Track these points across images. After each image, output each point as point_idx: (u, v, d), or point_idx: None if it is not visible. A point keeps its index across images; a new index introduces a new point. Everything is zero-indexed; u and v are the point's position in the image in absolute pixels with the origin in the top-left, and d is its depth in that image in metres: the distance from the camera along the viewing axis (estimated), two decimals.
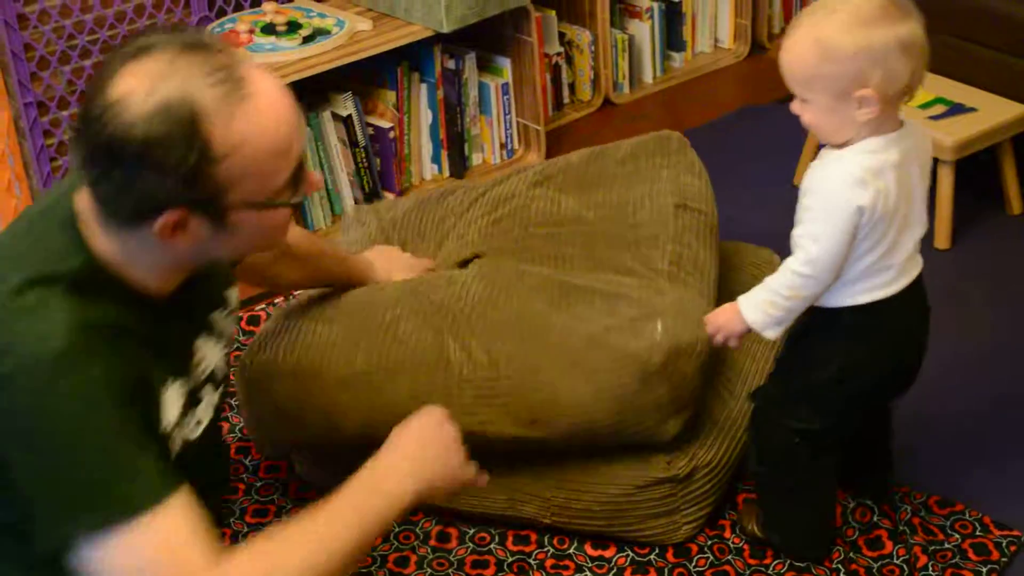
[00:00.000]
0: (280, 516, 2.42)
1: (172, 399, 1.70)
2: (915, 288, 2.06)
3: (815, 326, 2.08)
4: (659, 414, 2.17)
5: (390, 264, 2.49)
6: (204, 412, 1.81)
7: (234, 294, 1.94)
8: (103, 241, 1.62)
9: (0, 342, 1.54)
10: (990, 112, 3.14)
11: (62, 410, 1.52)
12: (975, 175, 3.32)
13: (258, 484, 2.49)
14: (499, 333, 2.23)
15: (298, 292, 2.59)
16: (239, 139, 1.54)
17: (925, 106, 3.18)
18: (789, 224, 3.33)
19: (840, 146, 1.95)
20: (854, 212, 1.90)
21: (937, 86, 3.27)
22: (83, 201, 1.63)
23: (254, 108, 1.57)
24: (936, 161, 3.08)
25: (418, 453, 1.78)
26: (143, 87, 1.51)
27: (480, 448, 1.95)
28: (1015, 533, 2.28)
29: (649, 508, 2.26)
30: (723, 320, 2.10)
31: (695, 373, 2.18)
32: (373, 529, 1.69)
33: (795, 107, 1.97)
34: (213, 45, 1.58)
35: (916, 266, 2.06)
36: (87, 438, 1.53)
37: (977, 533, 2.28)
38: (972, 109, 3.16)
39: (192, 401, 1.77)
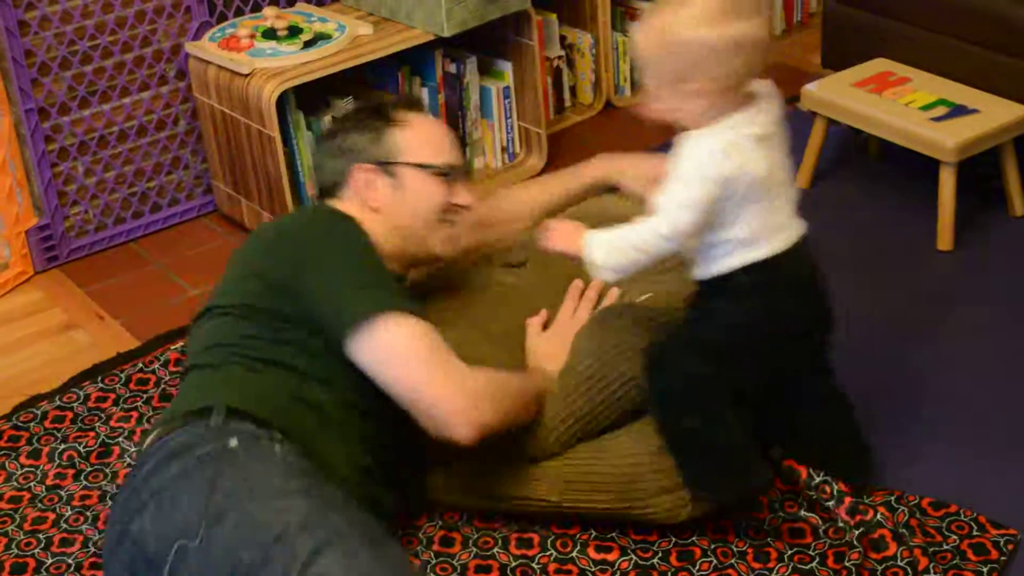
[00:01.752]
0: None
1: None
2: (800, 247, 2.15)
3: (709, 289, 2.17)
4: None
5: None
6: None
7: None
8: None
9: (331, 215, 2.31)
10: (992, 114, 3.14)
11: (364, 245, 2.21)
12: (977, 177, 3.32)
13: None
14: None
15: None
16: (412, 121, 2.40)
17: (927, 108, 3.18)
18: None
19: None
20: (720, 183, 2.01)
21: (939, 88, 3.27)
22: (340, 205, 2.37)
23: (422, 115, 2.46)
24: (938, 162, 3.09)
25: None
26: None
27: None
28: (1012, 532, 2.28)
29: (658, 480, 2.24)
30: (563, 236, 2.20)
31: None
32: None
33: (649, 101, 2.10)
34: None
35: (796, 226, 2.16)
36: (375, 260, 2.19)
37: (974, 533, 2.28)
38: (974, 111, 3.15)
39: None
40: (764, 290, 2.13)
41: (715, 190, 2.02)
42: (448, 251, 2.43)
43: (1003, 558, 2.23)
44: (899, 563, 2.21)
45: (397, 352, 2.08)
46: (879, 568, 2.21)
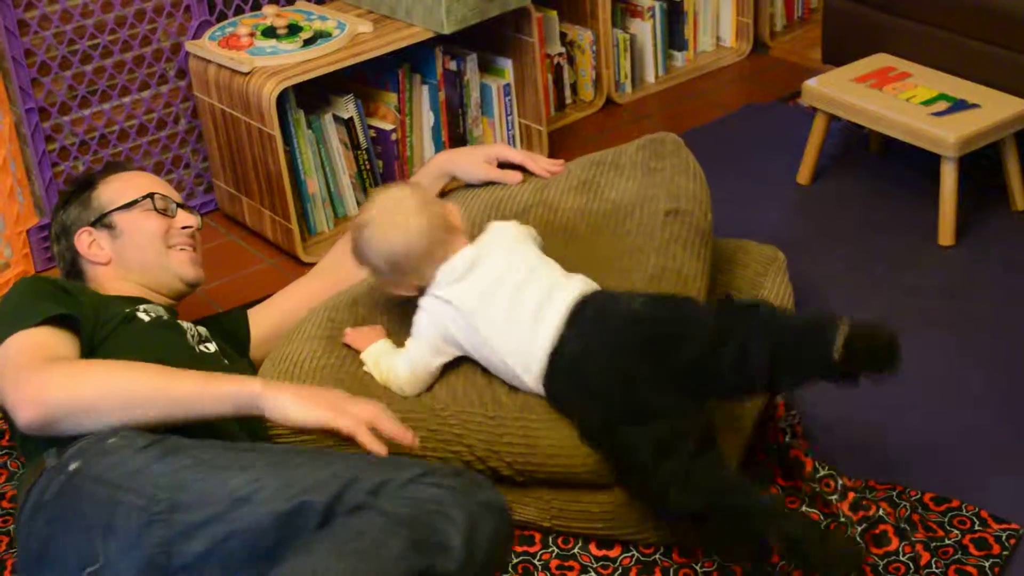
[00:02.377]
0: None
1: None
2: (582, 312, 2.20)
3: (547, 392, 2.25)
4: None
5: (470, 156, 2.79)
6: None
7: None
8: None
9: None
10: (993, 108, 3.13)
11: (25, 286, 2.27)
12: (978, 171, 3.32)
13: None
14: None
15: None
16: (110, 179, 2.60)
17: (928, 103, 3.18)
18: (793, 221, 3.35)
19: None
20: (436, 337, 2.31)
21: (940, 83, 3.27)
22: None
23: (122, 173, 2.65)
24: (940, 157, 3.08)
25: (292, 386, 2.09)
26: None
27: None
28: (1013, 526, 2.28)
29: (647, 508, 2.24)
30: (358, 336, 2.44)
31: None
32: (194, 396, 1.99)
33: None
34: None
35: (562, 301, 2.22)
36: (23, 295, 2.23)
37: (976, 528, 2.28)
38: (975, 105, 3.15)
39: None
40: (560, 398, 2.22)
41: (435, 332, 2.30)
42: (193, 273, 2.57)
43: (1005, 552, 2.23)
44: (901, 558, 2.21)
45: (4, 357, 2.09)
46: (881, 563, 2.21)
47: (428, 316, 2.31)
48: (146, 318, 2.33)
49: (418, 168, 3.55)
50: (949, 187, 3.09)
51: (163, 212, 2.54)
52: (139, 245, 2.51)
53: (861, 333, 2.06)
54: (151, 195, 2.54)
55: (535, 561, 2.28)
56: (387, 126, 3.46)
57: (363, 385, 2.35)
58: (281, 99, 3.17)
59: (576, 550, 2.30)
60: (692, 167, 2.62)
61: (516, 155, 2.71)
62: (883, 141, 3.49)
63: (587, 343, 2.17)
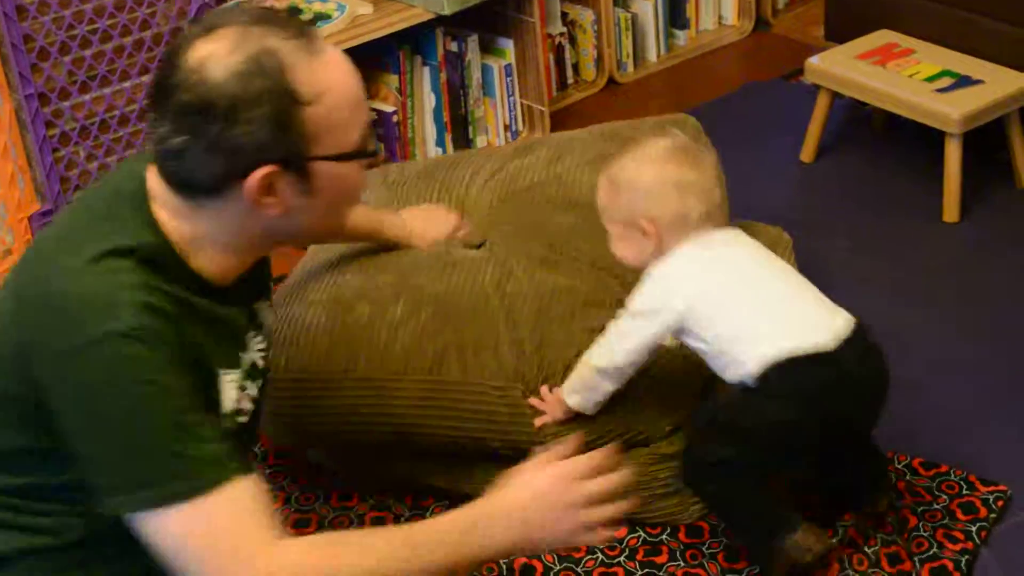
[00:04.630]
0: (289, 502, 2.42)
1: (227, 388, 1.72)
2: (842, 347, 2.05)
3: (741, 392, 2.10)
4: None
5: (426, 225, 2.51)
6: (246, 403, 1.79)
7: (271, 284, 1.96)
8: (174, 223, 1.65)
9: (75, 315, 1.55)
10: (997, 84, 3.12)
11: (131, 387, 1.54)
12: (982, 148, 3.31)
13: (267, 471, 2.49)
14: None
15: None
16: (323, 87, 1.60)
17: (931, 79, 3.16)
18: (797, 199, 3.35)
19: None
20: (666, 316, 2.08)
21: (943, 58, 3.25)
22: (155, 182, 1.66)
23: (329, 60, 1.63)
24: (944, 134, 3.07)
25: (534, 520, 1.67)
26: (224, 48, 1.57)
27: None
28: (1001, 488, 2.30)
29: (658, 487, 2.25)
30: (550, 407, 2.22)
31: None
32: (441, 570, 1.63)
33: (612, 244, 2.18)
34: (279, 13, 1.65)
35: (828, 327, 2.07)
36: (153, 416, 1.55)
37: (964, 492, 2.30)
38: (979, 81, 3.14)
39: (240, 390, 1.77)
40: (794, 393, 2.04)
41: (660, 328, 2.08)
42: (344, 228, 2.16)
43: (992, 515, 2.25)
44: (887, 519, 2.24)
45: (183, 545, 1.56)
46: (870, 531, 2.23)
47: (665, 278, 2.09)
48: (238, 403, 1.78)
49: (419, 149, 3.55)
50: (953, 164, 3.08)
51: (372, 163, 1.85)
52: (326, 208, 1.70)
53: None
54: (376, 151, 1.91)
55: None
56: (388, 108, 3.45)
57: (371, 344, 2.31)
58: None
59: None
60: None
61: (458, 226, 2.53)
62: (886, 118, 3.48)
63: (862, 366, 2.09)
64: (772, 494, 2.14)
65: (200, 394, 1.62)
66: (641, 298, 2.10)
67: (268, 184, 1.60)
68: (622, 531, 2.28)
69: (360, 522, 2.36)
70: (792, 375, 2.02)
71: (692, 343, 2.10)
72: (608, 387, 2.15)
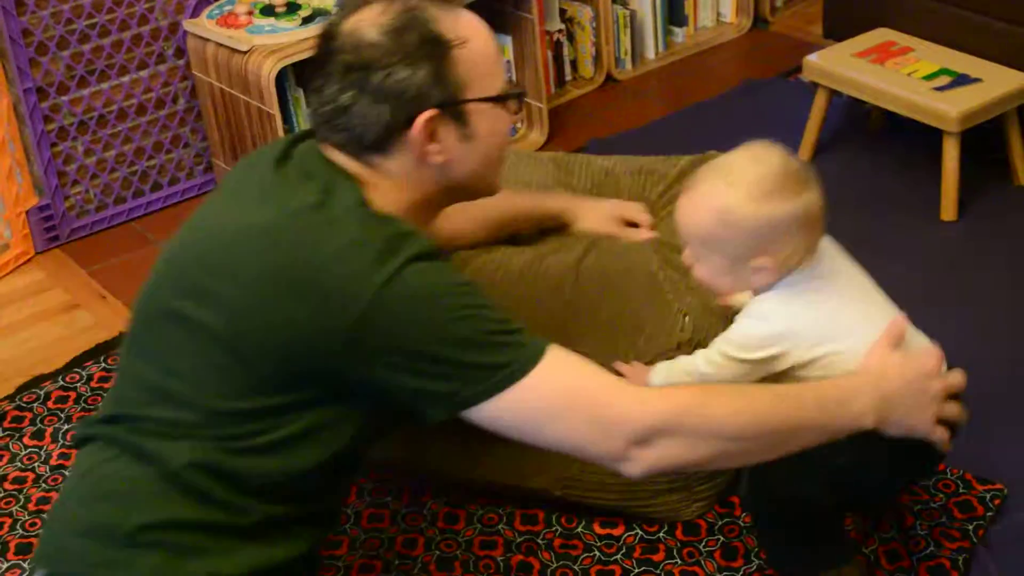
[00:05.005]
0: (362, 495, 2.40)
1: None
2: None
3: None
4: None
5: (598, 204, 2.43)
6: None
7: None
8: (380, 187, 1.78)
9: (362, 265, 1.64)
10: (995, 82, 3.12)
11: (446, 293, 1.67)
12: (980, 146, 3.31)
13: None
14: None
15: None
16: (466, 34, 1.76)
17: (929, 77, 3.17)
18: None
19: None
20: (771, 344, 1.91)
21: (941, 57, 3.25)
22: (331, 154, 1.78)
23: (466, 14, 1.80)
24: (941, 132, 3.07)
25: (895, 395, 1.84)
26: (374, 12, 1.75)
27: None
28: (997, 486, 2.30)
29: (662, 483, 2.25)
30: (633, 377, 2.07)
31: None
32: (810, 426, 1.77)
33: (687, 257, 1.97)
34: None
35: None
36: (470, 306, 1.68)
37: (960, 491, 2.30)
38: (977, 80, 3.14)
39: None
40: (889, 458, 1.94)
41: (764, 353, 1.91)
42: (497, 187, 1.96)
43: (989, 514, 2.25)
44: (884, 518, 2.24)
45: (544, 413, 1.69)
46: (868, 530, 2.23)
47: (772, 313, 1.92)
48: None
49: None
50: (951, 162, 3.08)
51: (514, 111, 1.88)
52: (485, 155, 1.83)
53: None
54: (521, 93, 1.91)
55: (539, 540, 2.28)
56: None
57: None
58: (280, 77, 3.16)
59: (580, 529, 2.30)
60: None
61: (641, 217, 2.41)
62: (884, 116, 3.48)
63: None
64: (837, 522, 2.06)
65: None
66: (746, 324, 1.94)
67: (432, 130, 1.75)
68: (619, 528, 2.29)
69: (434, 518, 2.35)
70: None
71: (805, 373, 1.93)
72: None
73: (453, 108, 1.75)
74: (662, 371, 2.05)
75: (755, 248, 1.87)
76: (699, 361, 1.98)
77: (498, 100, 1.80)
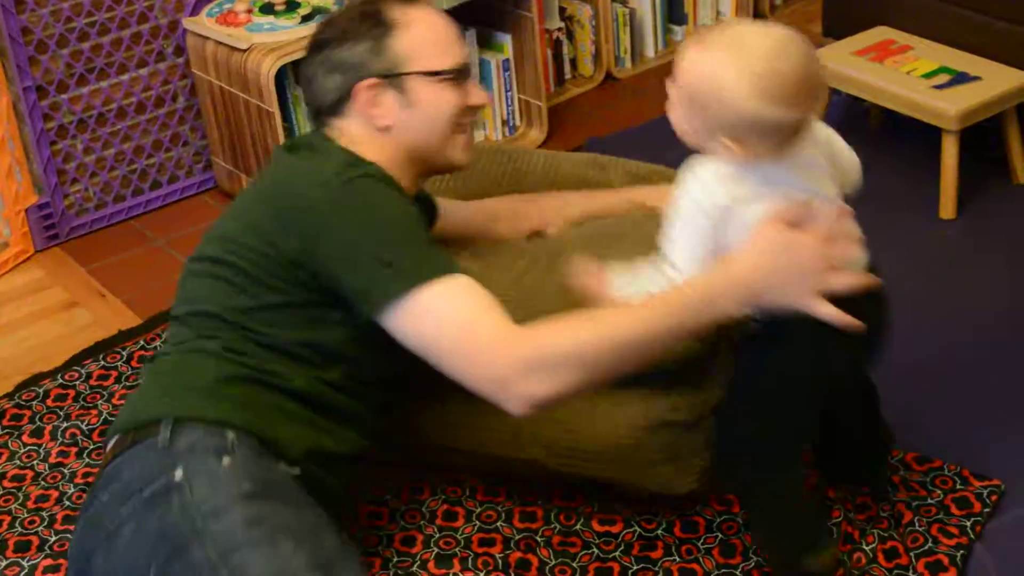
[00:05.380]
0: None
1: None
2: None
3: (759, 337, 2.03)
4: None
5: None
6: None
7: None
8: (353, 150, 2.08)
9: (325, 176, 1.99)
10: (994, 81, 3.12)
11: (385, 201, 1.99)
12: (979, 144, 3.31)
13: None
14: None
15: None
16: (413, 19, 2.10)
17: (929, 75, 3.17)
18: None
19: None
20: (709, 213, 1.91)
21: (941, 55, 3.25)
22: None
23: (420, 7, 2.14)
24: (940, 130, 3.07)
25: (759, 282, 1.88)
26: (344, 8, 2.19)
27: None
28: (995, 483, 2.30)
29: (655, 453, 2.23)
30: (588, 276, 2.04)
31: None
32: (670, 331, 1.88)
33: (671, 93, 1.97)
34: None
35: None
36: (400, 221, 1.97)
37: (958, 487, 2.30)
38: (976, 78, 3.14)
39: None
40: (810, 334, 1.95)
41: (705, 222, 1.92)
42: (467, 159, 2.19)
43: (986, 510, 2.25)
44: (882, 514, 2.25)
45: (433, 329, 1.91)
46: (867, 527, 2.23)
47: (712, 185, 1.93)
48: None
49: None
50: (950, 160, 3.08)
51: (461, 88, 2.14)
52: (428, 123, 2.11)
53: None
54: (462, 69, 2.14)
55: (537, 537, 2.28)
56: None
57: None
58: (279, 75, 3.16)
59: (579, 526, 2.30)
60: None
61: None
62: (883, 114, 3.48)
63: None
64: (809, 496, 2.13)
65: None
66: (683, 194, 1.95)
67: (373, 96, 2.07)
68: (618, 526, 2.29)
69: (433, 516, 2.35)
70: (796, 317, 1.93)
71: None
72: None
73: (393, 78, 2.08)
74: (626, 279, 2.01)
75: (732, 130, 1.88)
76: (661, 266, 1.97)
77: (433, 74, 2.09)
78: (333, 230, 1.95)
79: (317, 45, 2.13)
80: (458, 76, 2.12)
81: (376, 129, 2.10)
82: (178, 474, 1.87)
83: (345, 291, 1.96)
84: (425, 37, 2.10)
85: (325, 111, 2.13)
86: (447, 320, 1.90)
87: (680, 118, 1.96)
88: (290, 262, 1.98)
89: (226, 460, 1.89)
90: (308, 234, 1.96)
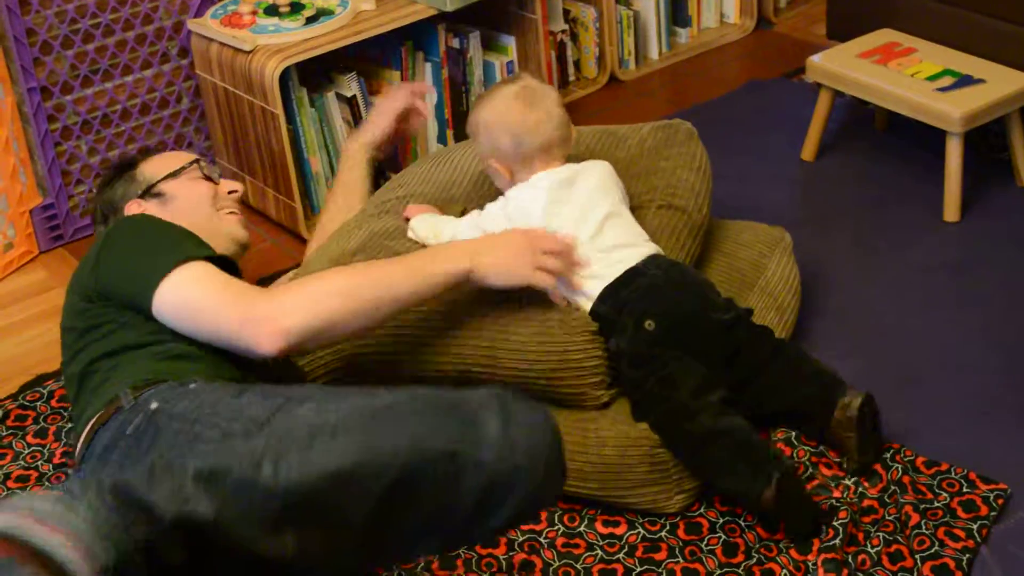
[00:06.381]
0: None
1: None
2: (629, 279, 2.33)
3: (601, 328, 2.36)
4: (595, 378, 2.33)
5: None
6: None
7: None
8: None
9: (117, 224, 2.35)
10: (999, 83, 3.12)
11: (150, 224, 2.30)
12: (983, 147, 3.30)
13: None
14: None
15: None
16: (147, 157, 2.62)
17: (933, 78, 3.16)
18: (798, 198, 3.35)
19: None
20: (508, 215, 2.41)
21: (945, 58, 3.25)
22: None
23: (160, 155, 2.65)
24: (945, 133, 3.07)
25: (485, 246, 2.24)
26: None
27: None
28: (1001, 486, 2.30)
29: (640, 473, 2.26)
30: (414, 208, 2.60)
31: None
32: (413, 281, 2.15)
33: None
34: None
35: (620, 262, 2.34)
36: (161, 233, 2.25)
37: (964, 490, 2.30)
38: (980, 80, 3.14)
39: None
40: (612, 317, 2.32)
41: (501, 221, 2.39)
42: (245, 234, 2.60)
43: (993, 513, 2.25)
44: (888, 517, 2.24)
45: (188, 301, 2.11)
46: (872, 530, 2.23)
47: (510, 202, 2.41)
48: None
49: (420, 145, 3.55)
50: (954, 163, 3.08)
51: (208, 178, 2.59)
52: (190, 209, 2.50)
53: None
54: (197, 160, 2.58)
55: (541, 539, 2.28)
56: None
57: None
58: (284, 77, 3.16)
59: (582, 528, 2.30)
60: (699, 159, 2.65)
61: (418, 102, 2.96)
62: (888, 117, 3.48)
63: (670, 276, 2.35)
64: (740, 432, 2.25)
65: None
66: (493, 209, 2.43)
67: (140, 211, 2.46)
68: (622, 527, 2.29)
69: None
70: (616, 294, 2.33)
71: None
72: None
73: (147, 192, 2.52)
74: (423, 221, 2.50)
75: (487, 152, 2.45)
76: (460, 227, 2.44)
77: (175, 174, 2.55)
78: (109, 252, 2.22)
79: (97, 217, 2.60)
80: (201, 166, 2.58)
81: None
82: (153, 404, 1.94)
83: (125, 297, 2.17)
84: (163, 158, 2.60)
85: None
86: (199, 290, 2.10)
87: (492, 176, 2.54)
88: (89, 294, 2.22)
89: (192, 384, 1.98)
90: (91, 261, 2.24)
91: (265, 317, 2.03)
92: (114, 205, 2.54)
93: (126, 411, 1.98)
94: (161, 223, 2.31)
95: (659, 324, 2.28)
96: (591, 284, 2.33)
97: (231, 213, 2.59)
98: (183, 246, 2.19)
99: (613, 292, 2.32)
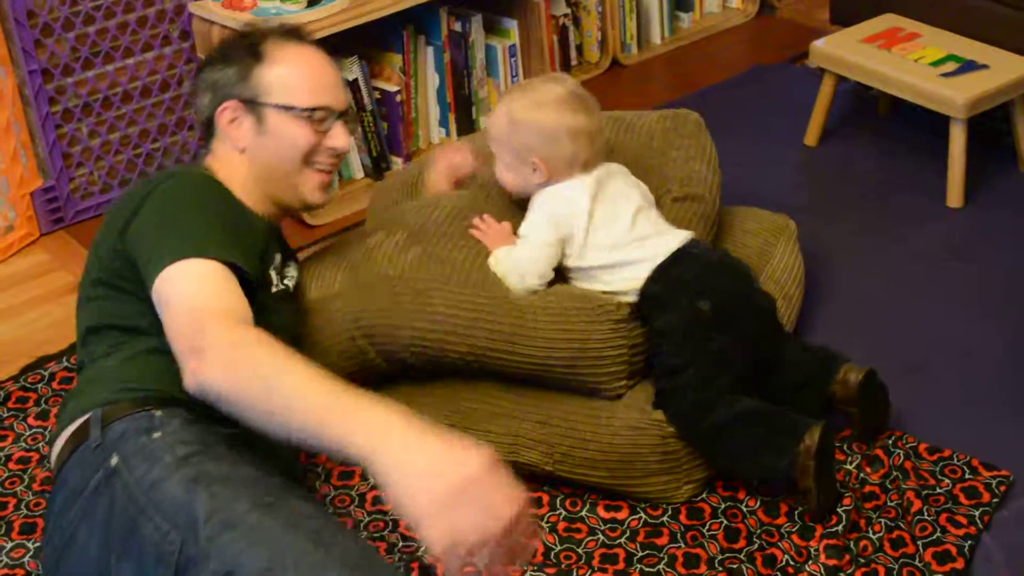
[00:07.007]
0: None
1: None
2: (681, 255, 2.34)
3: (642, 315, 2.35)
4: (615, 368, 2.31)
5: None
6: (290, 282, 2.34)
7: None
8: (218, 168, 2.26)
9: (178, 170, 2.27)
10: (1002, 69, 3.11)
11: (186, 198, 2.10)
12: (987, 133, 3.30)
13: None
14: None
15: None
16: (283, 57, 2.27)
17: (937, 63, 3.16)
18: (801, 183, 3.34)
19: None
20: (556, 224, 2.35)
21: (949, 43, 3.24)
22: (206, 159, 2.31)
23: (301, 48, 2.31)
24: (948, 119, 3.07)
25: (421, 445, 1.60)
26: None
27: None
28: (1004, 473, 2.30)
29: (651, 463, 2.26)
30: (493, 235, 2.43)
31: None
32: (315, 421, 1.65)
33: (499, 171, 2.45)
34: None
35: (665, 245, 2.35)
36: (199, 214, 2.06)
37: (967, 477, 2.30)
38: (984, 66, 3.13)
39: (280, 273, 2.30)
40: (665, 296, 2.31)
41: (553, 233, 2.34)
42: (319, 199, 2.33)
43: (995, 500, 2.25)
44: (890, 504, 2.25)
45: (172, 297, 1.94)
46: (873, 516, 2.23)
47: (550, 196, 2.36)
48: (274, 280, 2.24)
49: (422, 129, 3.54)
50: (958, 148, 3.08)
51: (319, 128, 2.28)
52: (278, 153, 2.26)
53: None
54: (315, 110, 2.26)
55: (543, 523, 2.28)
56: (392, 88, 3.44)
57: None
58: None
59: (584, 512, 2.30)
60: (708, 151, 2.64)
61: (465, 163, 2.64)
62: (891, 102, 3.47)
63: (719, 257, 2.41)
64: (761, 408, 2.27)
65: (241, 236, 2.10)
66: (535, 213, 2.37)
67: (234, 117, 2.25)
68: (624, 512, 2.29)
69: (361, 500, 2.36)
70: (667, 272, 2.32)
71: (583, 263, 2.35)
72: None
73: (252, 105, 2.24)
74: (501, 261, 2.38)
75: (531, 149, 2.35)
76: (517, 254, 2.36)
77: (288, 109, 2.24)
78: (139, 215, 2.08)
79: (200, 66, 2.35)
80: (316, 115, 2.26)
81: (235, 150, 2.26)
82: (114, 460, 1.89)
83: (137, 263, 2.05)
84: (290, 74, 2.26)
85: (203, 131, 2.33)
86: (184, 291, 1.94)
87: (501, 170, 2.45)
88: (111, 254, 2.11)
89: (156, 435, 1.91)
90: (126, 222, 2.09)
91: (201, 355, 1.80)
92: (217, 89, 2.27)
93: (91, 450, 1.92)
94: (211, 202, 2.12)
95: (713, 304, 2.28)
96: (636, 269, 2.32)
97: (319, 170, 2.30)
98: (208, 241, 2.00)
99: (664, 271, 2.32)
